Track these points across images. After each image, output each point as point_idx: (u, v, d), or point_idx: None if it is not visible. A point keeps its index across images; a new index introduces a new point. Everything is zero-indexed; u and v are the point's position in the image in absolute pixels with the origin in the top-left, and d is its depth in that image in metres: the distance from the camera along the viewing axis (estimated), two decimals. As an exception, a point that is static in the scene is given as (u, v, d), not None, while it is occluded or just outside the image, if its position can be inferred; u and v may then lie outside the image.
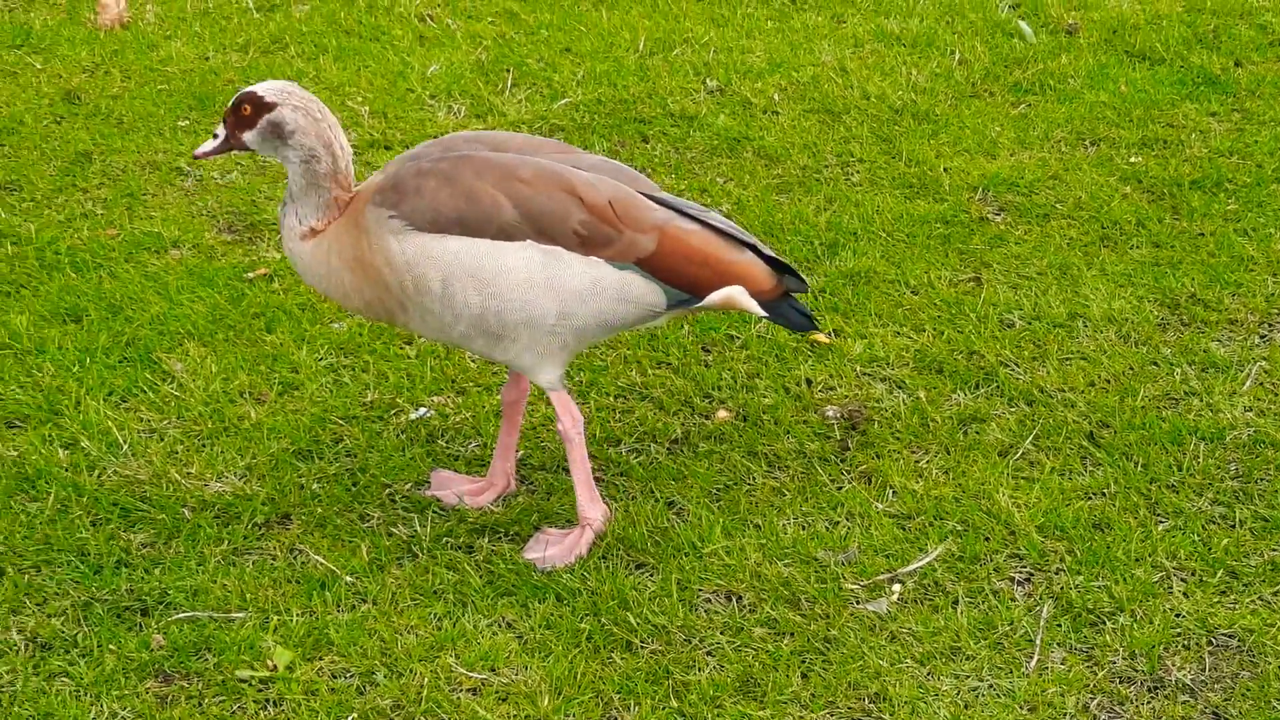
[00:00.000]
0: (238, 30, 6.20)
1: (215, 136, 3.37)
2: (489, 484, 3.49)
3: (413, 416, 3.72)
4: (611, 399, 3.80)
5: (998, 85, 5.62)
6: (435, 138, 3.61)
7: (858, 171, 4.99)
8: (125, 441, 3.60)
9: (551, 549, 3.30)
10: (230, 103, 3.36)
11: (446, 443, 3.63)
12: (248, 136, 3.32)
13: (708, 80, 5.67)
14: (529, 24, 6.27)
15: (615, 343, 4.00)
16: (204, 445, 3.61)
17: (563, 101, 5.47)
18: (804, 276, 3.44)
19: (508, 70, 5.75)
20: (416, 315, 3.22)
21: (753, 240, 3.38)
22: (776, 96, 5.53)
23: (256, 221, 4.67)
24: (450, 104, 5.49)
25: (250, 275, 4.35)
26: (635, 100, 5.48)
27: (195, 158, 3.47)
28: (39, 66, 5.83)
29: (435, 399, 3.79)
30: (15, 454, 3.56)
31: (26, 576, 3.21)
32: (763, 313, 3.36)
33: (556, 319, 3.25)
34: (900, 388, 3.87)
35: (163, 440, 3.62)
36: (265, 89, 3.33)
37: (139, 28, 6.24)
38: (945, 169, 4.98)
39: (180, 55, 5.93)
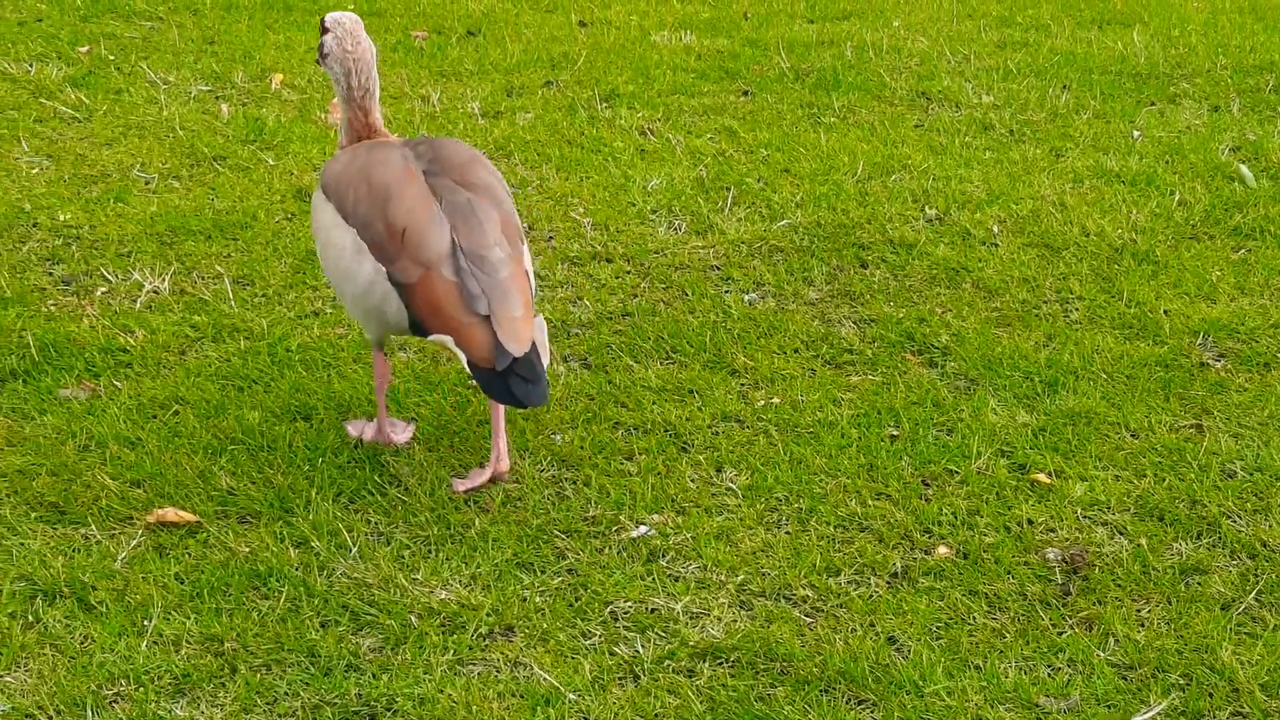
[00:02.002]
0: (463, 136, 6.34)
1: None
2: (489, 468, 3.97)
3: (633, 534, 3.75)
4: (831, 529, 3.79)
5: (1218, 228, 5.56)
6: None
7: (1077, 309, 4.95)
8: (354, 543, 3.66)
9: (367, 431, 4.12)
10: None
11: (667, 563, 3.65)
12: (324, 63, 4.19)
13: (926, 208, 5.68)
14: (748, 142, 6.34)
15: (834, 471, 4.00)
16: (430, 551, 3.66)
17: (782, 223, 5.52)
18: (535, 395, 3.72)
19: (727, 188, 5.81)
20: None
21: (488, 313, 3.76)
22: (995, 228, 5.52)
23: (479, 328, 4.75)
24: (671, 219, 5.56)
25: (472, 382, 4.42)
26: (854, 225, 5.51)
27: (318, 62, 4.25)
28: (271, 163, 6.01)
29: (655, 518, 3.80)
30: (248, 550, 3.63)
31: (258, 675, 3.27)
32: (467, 368, 3.78)
33: (351, 298, 3.97)
34: (1121, 533, 3.82)
35: (390, 544, 3.68)
36: (330, 18, 4.18)
37: (368, 129, 6.39)
38: (1165, 311, 4.92)
39: (407, 158, 6.07)
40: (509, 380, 3.74)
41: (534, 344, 3.80)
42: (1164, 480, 4.01)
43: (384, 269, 3.86)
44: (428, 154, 4.02)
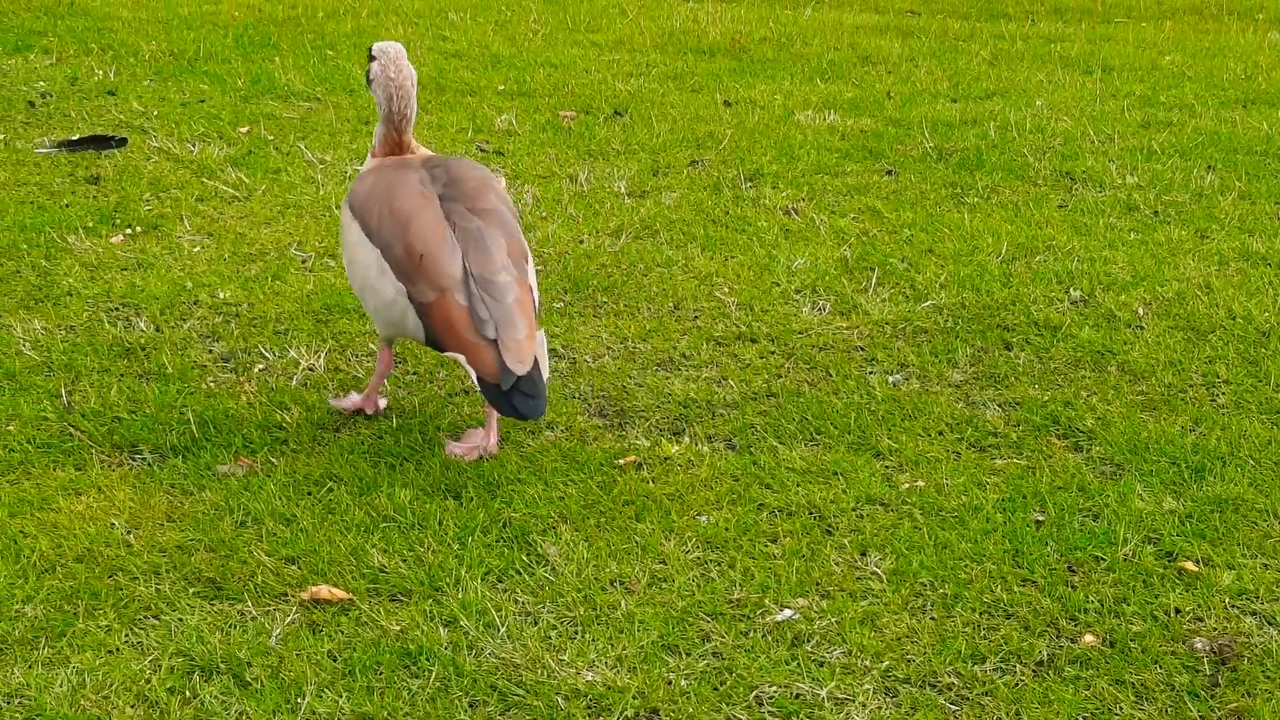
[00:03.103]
0: (610, 215, 6.44)
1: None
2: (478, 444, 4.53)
3: (778, 618, 3.77)
4: (976, 615, 3.79)
5: (1370, 313, 5.50)
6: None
7: (1223, 393, 4.92)
8: (503, 623, 3.72)
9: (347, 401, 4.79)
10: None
11: (812, 648, 3.67)
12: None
13: (1071, 290, 5.67)
14: (892, 222, 6.37)
15: (980, 556, 4.00)
16: (577, 632, 3.71)
17: (926, 304, 5.53)
18: (533, 409, 4.26)
19: (871, 269, 5.84)
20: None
21: (496, 337, 4.28)
22: (1141, 311, 5.50)
23: (626, 408, 4.82)
24: (815, 299, 5.60)
25: (620, 462, 4.48)
26: (999, 306, 5.51)
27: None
28: (422, 242, 6.12)
29: (800, 601, 3.83)
30: (399, 628, 3.71)
31: (410, 752, 3.33)
32: (476, 383, 4.31)
33: (374, 309, 4.53)
34: (1271, 623, 3.78)
35: (537, 624, 3.74)
36: (376, 46, 4.67)
37: (518, 208, 6.50)
38: None
39: (556, 237, 6.18)
40: (513, 397, 4.26)
41: (535, 361, 4.31)
42: None
43: (404, 289, 4.40)
44: (443, 177, 4.54)
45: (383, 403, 4.82)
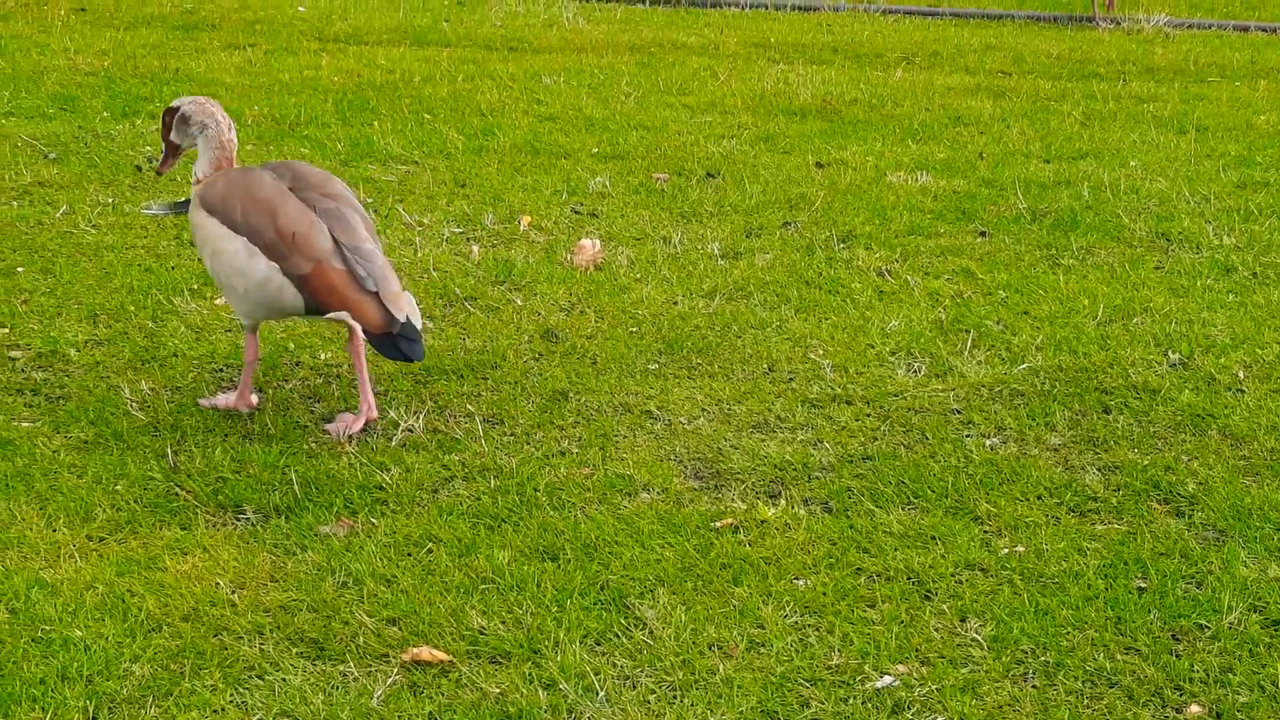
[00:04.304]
0: (704, 276, 6.47)
1: (163, 152, 5.28)
2: (362, 415, 5.08)
3: (878, 684, 3.76)
4: (1079, 684, 3.76)
5: None
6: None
7: None
8: (602, 687, 3.73)
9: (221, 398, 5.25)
10: (161, 125, 5.24)
11: (912, 715, 3.65)
12: (172, 135, 5.23)
13: (1169, 352, 5.63)
14: (986, 284, 6.36)
15: (1081, 624, 3.98)
16: (676, 697, 3.72)
17: (1023, 366, 5.52)
18: (416, 352, 4.90)
19: (966, 330, 5.84)
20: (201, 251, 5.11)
21: (379, 288, 4.89)
22: (1241, 374, 5.45)
23: (722, 469, 4.83)
24: (910, 361, 5.60)
25: (717, 524, 4.49)
26: (1096, 369, 5.49)
27: (158, 174, 5.47)
28: (520, 304, 6.18)
29: (900, 668, 3.82)
30: (498, 691, 3.72)
31: (511, 815, 3.35)
32: (362, 335, 4.93)
33: (244, 291, 4.98)
34: (1379, 694, 3.73)
35: (635, 688, 3.74)
36: (176, 100, 5.23)
37: (612, 270, 6.56)
38: None
39: (650, 299, 6.22)
40: (398, 342, 4.89)
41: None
42: None
43: (277, 266, 4.91)
44: (288, 174, 5.07)
45: (255, 398, 5.23)
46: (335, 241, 4.95)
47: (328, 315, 4.94)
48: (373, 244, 5.00)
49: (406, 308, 4.95)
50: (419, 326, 4.96)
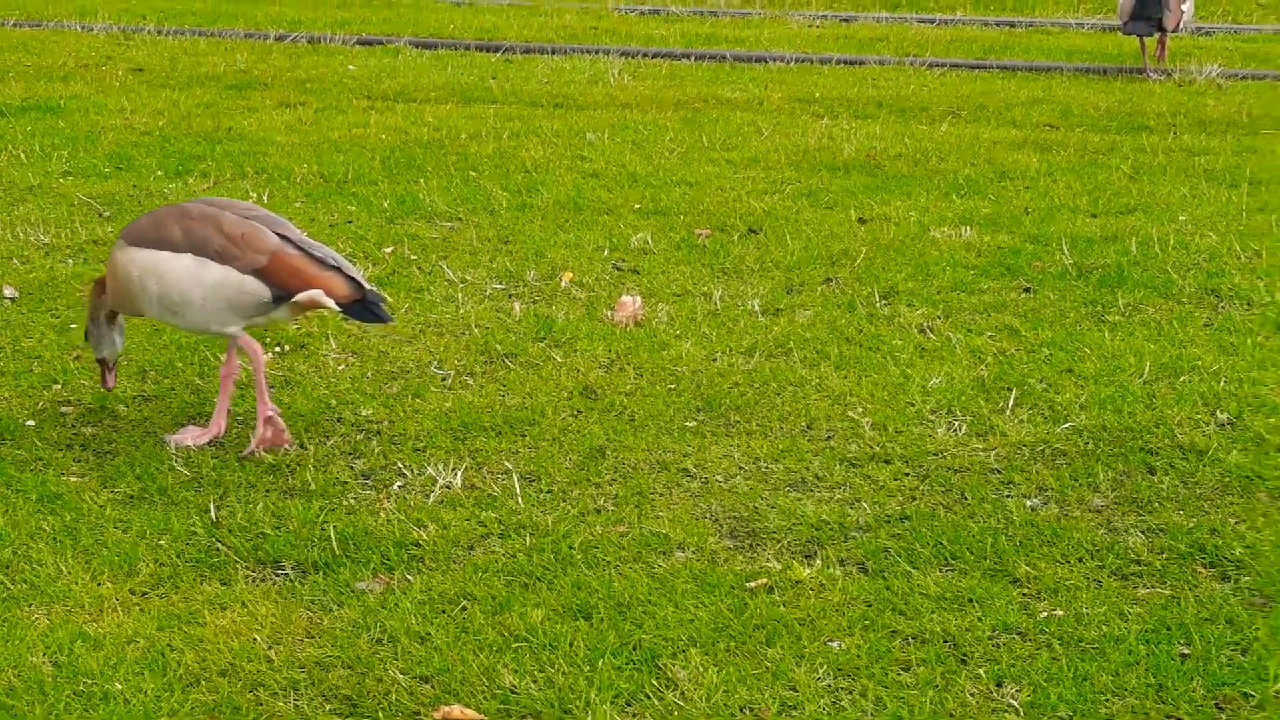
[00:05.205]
0: (744, 333, 6.44)
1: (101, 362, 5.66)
2: (213, 430, 5.40)
3: (912, 749, 3.71)
4: (1117, 750, 3.71)
5: None
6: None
7: None
8: (632, 749, 3.70)
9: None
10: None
11: (946, 781, 3.60)
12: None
13: (1218, 412, 5.56)
14: (1030, 341, 6.31)
15: (1121, 690, 3.91)
16: (707, 760, 3.68)
17: (1066, 425, 5.46)
18: (388, 314, 5.27)
19: (1009, 389, 5.78)
20: (139, 301, 5.30)
21: (339, 264, 5.21)
22: (1290, 433, 5.38)
23: (758, 529, 4.79)
24: (950, 420, 5.55)
25: (751, 584, 4.45)
26: (1141, 429, 5.42)
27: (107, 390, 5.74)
28: (559, 360, 6.17)
29: (934, 732, 3.77)
30: (529, 751, 3.70)
31: None
32: (338, 309, 5.20)
33: (201, 300, 5.20)
34: None
35: (667, 750, 3.71)
36: None
37: (652, 326, 6.54)
38: None
39: (690, 355, 6.19)
40: (369, 306, 5.20)
41: None
42: None
43: (230, 267, 5.17)
44: (205, 202, 5.35)
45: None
46: (281, 236, 5.24)
47: (298, 297, 5.18)
48: (313, 241, 5.31)
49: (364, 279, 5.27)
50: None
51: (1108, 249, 7.65)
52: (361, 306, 5.22)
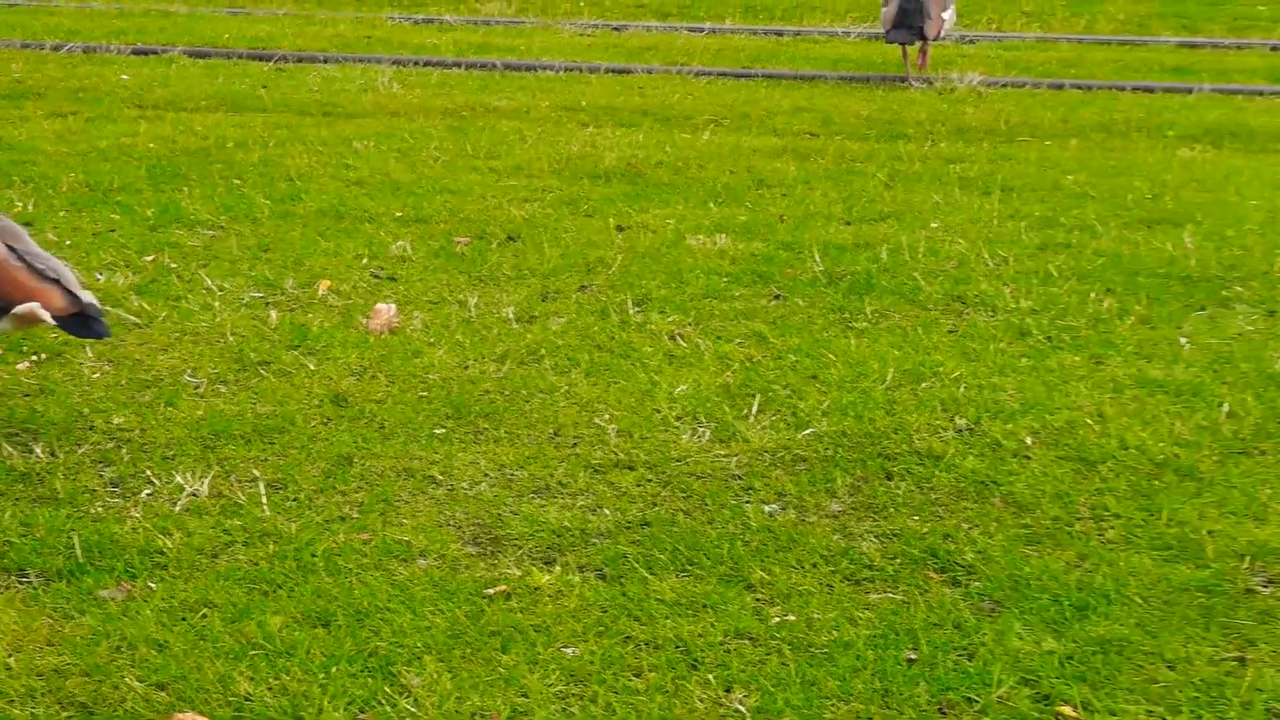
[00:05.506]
0: (497, 340, 6.45)
1: None
2: None
3: (640, 754, 3.75)
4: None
5: (1270, 443, 5.49)
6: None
7: (1112, 527, 4.87)
8: (361, 758, 3.69)
9: None
10: None
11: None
12: None
13: (956, 418, 5.69)
14: (777, 347, 6.40)
15: (847, 695, 3.98)
16: (435, 768, 3.68)
17: (807, 431, 5.55)
18: (105, 329, 5.36)
19: (753, 395, 5.87)
20: None
21: (59, 276, 5.23)
22: (1028, 440, 5.49)
23: (500, 536, 4.80)
24: (695, 426, 5.61)
25: (489, 591, 4.46)
26: (881, 435, 5.53)
27: None
28: (312, 368, 6.13)
29: (664, 736, 3.81)
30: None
31: None
32: (53, 321, 5.21)
33: None
34: (1151, 770, 3.76)
35: (396, 759, 3.70)
36: None
37: (406, 334, 6.53)
38: (1209, 532, 4.81)
39: (442, 363, 6.19)
40: (87, 321, 5.25)
41: None
42: (1200, 717, 3.88)
43: None
44: None
45: None
46: (8, 247, 5.25)
47: (16, 310, 5.18)
48: (41, 250, 5.32)
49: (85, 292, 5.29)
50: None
51: (859, 256, 7.79)
52: (78, 320, 5.23)
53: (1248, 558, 4.67)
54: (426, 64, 14.51)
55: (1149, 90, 13.31)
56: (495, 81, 13.65)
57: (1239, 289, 7.29)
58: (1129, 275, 7.49)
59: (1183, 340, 6.54)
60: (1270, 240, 8.12)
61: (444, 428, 5.60)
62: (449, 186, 9.33)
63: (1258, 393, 5.90)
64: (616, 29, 17.23)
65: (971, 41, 16.25)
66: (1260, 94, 13.20)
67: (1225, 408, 5.76)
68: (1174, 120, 11.85)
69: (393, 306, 6.71)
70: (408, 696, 3.94)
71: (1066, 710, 3.92)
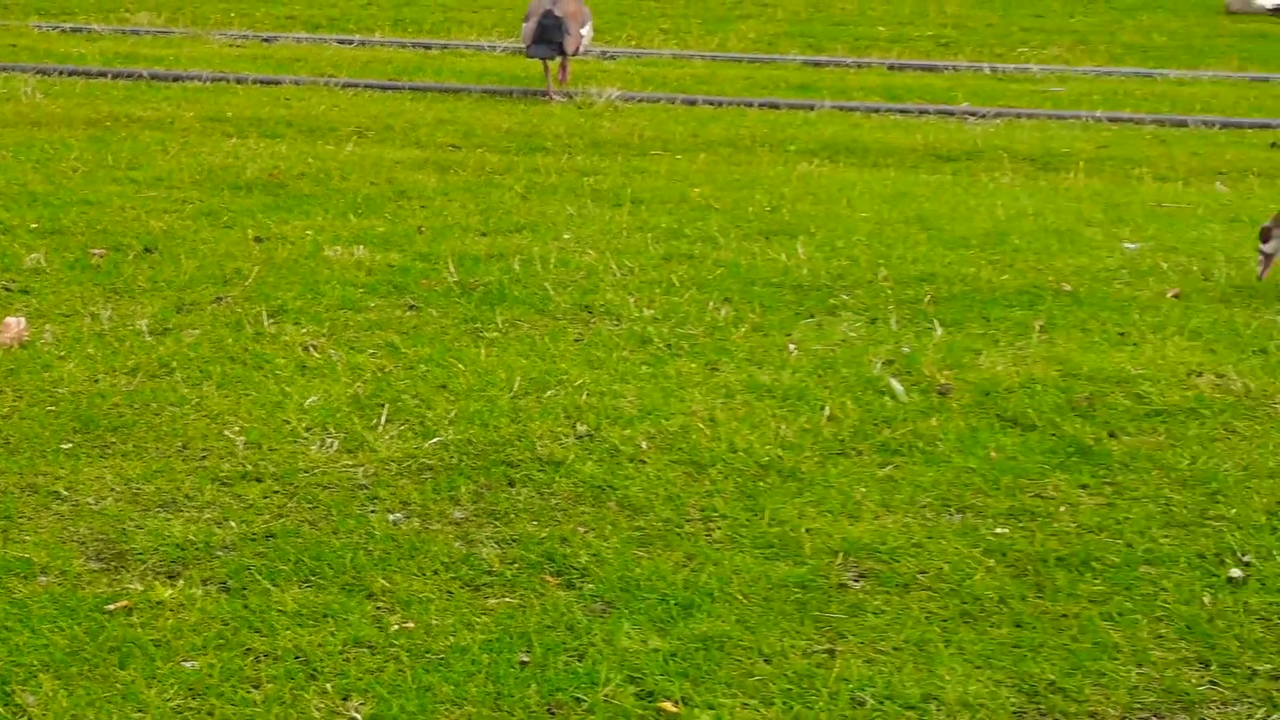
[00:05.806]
0: (129, 353, 6.41)
1: None
2: None
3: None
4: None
5: (866, 444, 5.74)
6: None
7: (719, 528, 5.07)
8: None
9: None
10: None
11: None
12: None
13: (578, 425, 5.86)
14: (409, 357, 6.50)
15: (462, 699, 4.10)
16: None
17: (434, 440, 5.67)
18: None
19: (383, 405, 5.96)
20: None
21: None
22: (644, 445, 5.68)
23: (125, 550, 4.80)
24: (324, 437, 5.68)
25: (110, 607, 4.46)
26: (505, 442, 5.67)
27: None
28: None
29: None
30: None
31: None
32: None
33: None
34: (739, 757, 3.94)
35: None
36: None
37: (36, 348, 6.44)
38: (807, 530, 5.03)
39: (71, 376, 6.13)
40: None
41: None
42: (791, 709, 4.05)
43: None
44: None
45: None
46: None
47: None
48: None
49: None
50: None
51: (492, 267, 7.93)
52: None
53: (841, 554, 4.91)
54: (72, 73, 14.23)
55: (775, 107, 13.74)
56: (141, 92, 13.43)
57: (845, 297, 7.59)
58: (745, 284, 7.74)
59: (791, 347, 6.80)
60: (875, 251, 8.49)
61: (71, 442, 5.56)
62: (88, 198, 9.18)
63: (856, 396, 6.19)
64: (266, 40, 17.07)
65: (612, 57, 16.53)
66: (876, 111, 13.74)
67: (826, 411, 6.02)
68: (796, 135, 12.28)
69: (22, 320, 6.61)
70: (23, 716, 3.93)
71: (668, 706, 4.07)
